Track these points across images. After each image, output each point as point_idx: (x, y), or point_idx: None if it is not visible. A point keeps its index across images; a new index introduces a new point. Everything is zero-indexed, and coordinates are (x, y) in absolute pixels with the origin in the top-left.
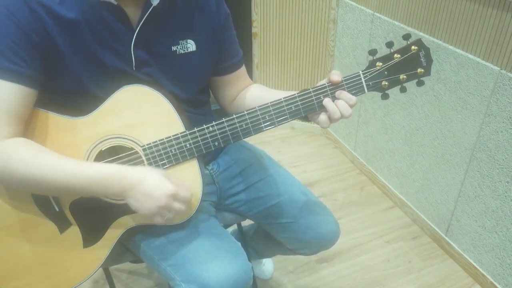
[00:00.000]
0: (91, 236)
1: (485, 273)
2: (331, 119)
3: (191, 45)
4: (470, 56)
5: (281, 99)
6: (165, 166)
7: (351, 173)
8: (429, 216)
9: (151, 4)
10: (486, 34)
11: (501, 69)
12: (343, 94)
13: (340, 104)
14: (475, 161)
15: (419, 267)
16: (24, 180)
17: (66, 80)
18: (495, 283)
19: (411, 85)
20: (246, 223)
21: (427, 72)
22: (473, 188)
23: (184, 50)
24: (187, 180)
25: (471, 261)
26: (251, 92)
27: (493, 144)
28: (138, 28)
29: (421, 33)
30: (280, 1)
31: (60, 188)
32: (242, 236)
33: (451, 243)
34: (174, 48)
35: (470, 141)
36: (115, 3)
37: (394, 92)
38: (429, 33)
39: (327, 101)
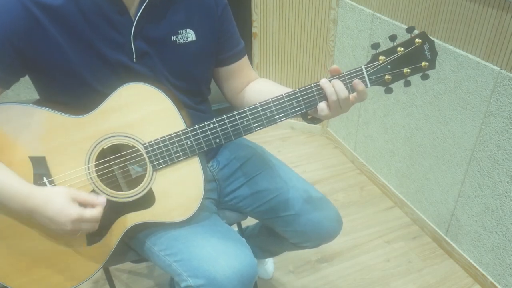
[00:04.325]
0: (95, 233)
1: (485, 273)
2: (329, 100)
3: (190, 35)
4: (470, 56)
5: (282, 95)
6: (167, 164)
7: (351, 173)
8: (429, 216)
9: None
10: (486, 34)
11: (501, 69)
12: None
13: (336, 84)
14: (475, 161)
15: (419, 267)
16: None
17: (67, 75)
18: (495, 283)
19: (411, 85)
20: (250, 222)
21: (432, 65)
22: (473, 188)
23: (184, 40)
24: (188, 178)
25: (471, 261)
26: (257, 86)
27: (493, 144)
28: (136, 19)
29: None
30: (280, 1)
31: None
32: (242, 235)
33: (451, 243)
34: (173, 38)
35: (470, 141)
36: None
37: (394, 91)
38: (429, 33)
39: (324, 82)
